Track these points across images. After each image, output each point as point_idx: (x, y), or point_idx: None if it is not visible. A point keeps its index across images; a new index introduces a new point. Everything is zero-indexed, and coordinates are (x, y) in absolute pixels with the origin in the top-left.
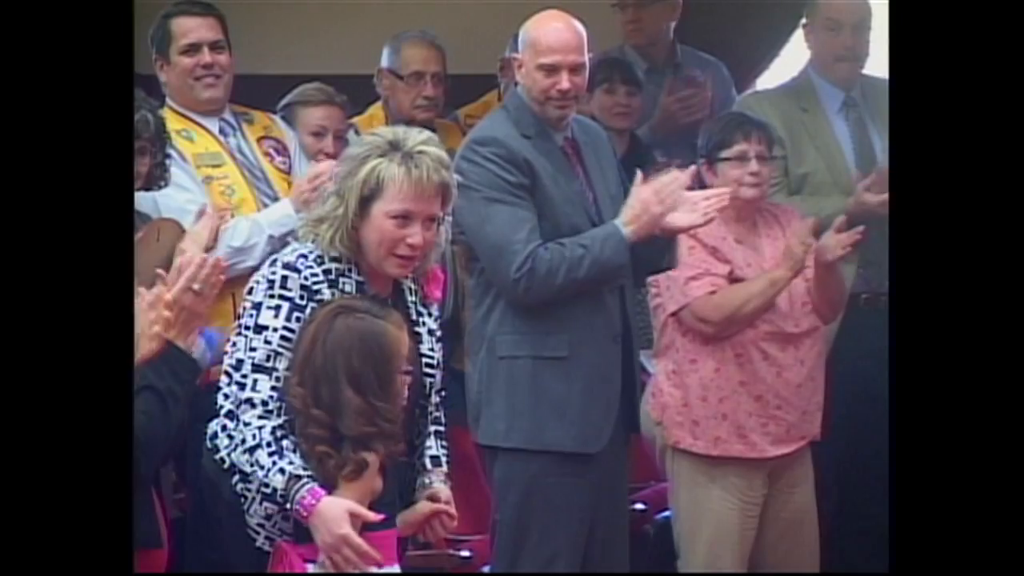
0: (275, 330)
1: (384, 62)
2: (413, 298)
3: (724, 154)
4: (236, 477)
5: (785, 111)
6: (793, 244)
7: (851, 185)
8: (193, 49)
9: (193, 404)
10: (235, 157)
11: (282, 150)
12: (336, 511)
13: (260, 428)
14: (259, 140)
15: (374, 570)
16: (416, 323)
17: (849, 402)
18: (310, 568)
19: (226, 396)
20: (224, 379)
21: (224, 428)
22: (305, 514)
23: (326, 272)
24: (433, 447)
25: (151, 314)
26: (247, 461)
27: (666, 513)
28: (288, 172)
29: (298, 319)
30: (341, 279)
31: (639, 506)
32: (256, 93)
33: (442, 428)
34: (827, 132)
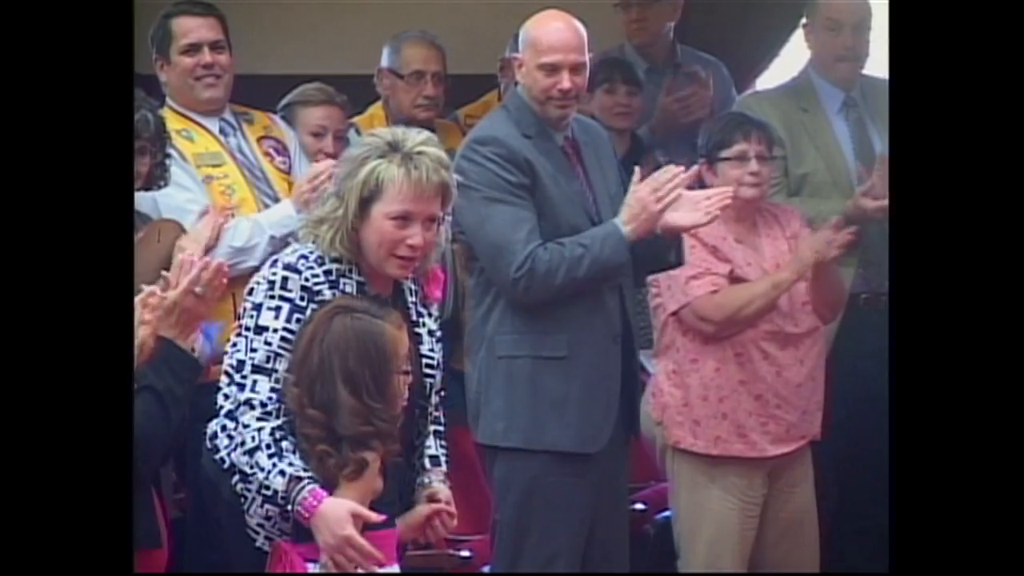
0: (275, 331)
1: (384, 62)
2: (413, 298)
3: (724, 154)
4: (236, 477)
5: (785, 111)
6: (803, 249)
7: (851, 185)
8: (193, 49)
9: (193, 404)
10: (235, 157)
11: (282, 150)
12: (339, 512)
13: (259, 430)
14: (259, 140)
15: (375, 570)
16: (416, 323)
17: (849, 402)
18: (311, 568)
19: (226, 396)
20: (224, 379)
21: (224, 428)
22: (307, 515)
23: (327, 273)
24: (432, 447)
25: (137, 312)
26: (247, 463)
27: (666, 513)
28: (288, 172)
29: (298, 320)
30: (342, 280)
31: (639, 506)
32: (256, 93)
33: (442, 428)
34: (827, 132)
